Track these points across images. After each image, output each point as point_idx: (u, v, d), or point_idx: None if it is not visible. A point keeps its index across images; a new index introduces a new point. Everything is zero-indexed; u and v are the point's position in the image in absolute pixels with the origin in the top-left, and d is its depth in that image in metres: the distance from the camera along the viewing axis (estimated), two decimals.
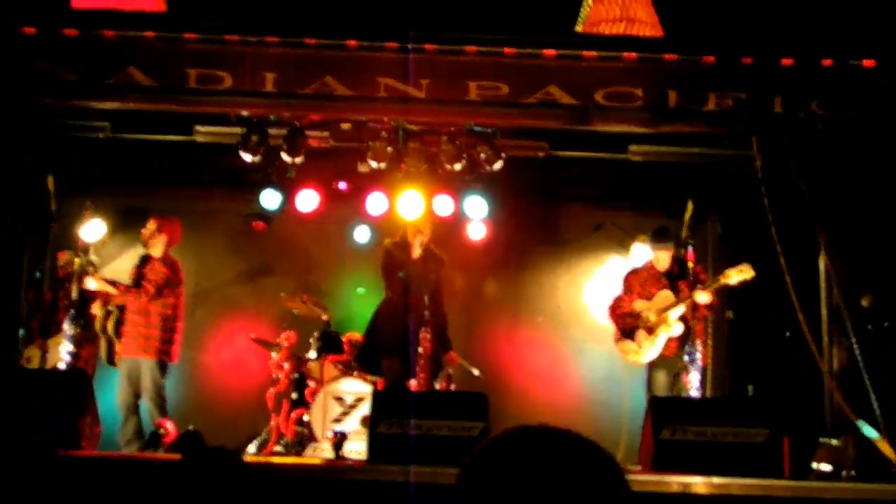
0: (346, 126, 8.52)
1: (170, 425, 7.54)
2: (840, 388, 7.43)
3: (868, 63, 7.37)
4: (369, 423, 6.28)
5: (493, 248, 9.59)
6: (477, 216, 9.08)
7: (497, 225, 9.36)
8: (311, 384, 8.56)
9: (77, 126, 8.39)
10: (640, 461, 6.59)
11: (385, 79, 7.44)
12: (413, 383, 7.69)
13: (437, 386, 8.21)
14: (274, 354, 8.77)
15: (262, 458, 7.40)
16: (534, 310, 10.06)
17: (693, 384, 7.36)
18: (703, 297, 7.41)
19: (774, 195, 7.57)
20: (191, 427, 7.35)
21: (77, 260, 7.71)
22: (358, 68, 7.50)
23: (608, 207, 10.07)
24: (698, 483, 5.59)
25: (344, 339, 8.81)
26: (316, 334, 8.86)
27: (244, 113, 8.22)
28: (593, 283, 10.01)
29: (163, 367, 7.89)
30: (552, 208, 10.15)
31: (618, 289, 8.14)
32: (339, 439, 7.35)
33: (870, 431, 6.77)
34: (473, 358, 8.91)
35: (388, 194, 8.86)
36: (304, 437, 8.27)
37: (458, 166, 8.52)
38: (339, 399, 8.30)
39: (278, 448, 8.32)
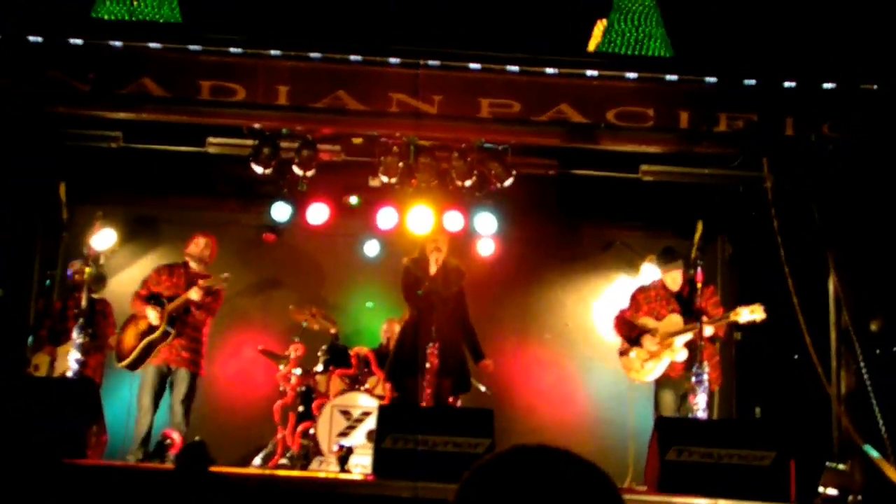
0: (357, 140, 8.55)
1: (176, 436, 7.54)
2: (848, 412, 7.39)
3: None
4: (375, 437, 6.27)
5: (502, 265, 9.58)
6: (486, 232, 9.08)
7: (506, 242, 9.36)
8: (318, 397, 8.56)
9: (89, 135, 8.43)
10: (645, 482, 6.56)
11: (397, 94, 7.47)
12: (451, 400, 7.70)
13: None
14: (281, 367, 8.77)
15: (267, 471, 7.40)
16: (542, 327, 10.04)
17: (700, 405, 7.32)
18: (709, 330, 7.40)
19: (785, 216, 7.56)
20: (197, 438, 7.35)
21: (87, 269, 7.72)
22: (370, 83, 7.53)
23: (618, 226, 10.07)
24: None
25: (352, 352, 8.81)
26: (324, 347, 8.87)
27: (256, 125, 8.25)
28: (602, 301, 9.99)
29: (197, 379, 8.04)
30: (562, 226, 10.13)
31: (624, 304, 8.12)
32: (345, 453, 7.35)
33: (877, 456, 6.73)
34: (480, 374, 8.89)
35: (399, 209, 8.87)
36: (310, 451, 8.26)
37: (468, 182, 8.53)
38: (346, 413, 8.29)
39: (284, 461, 8.31)
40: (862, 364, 7.21)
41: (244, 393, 9.56)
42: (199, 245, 8.16)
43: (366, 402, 8.34)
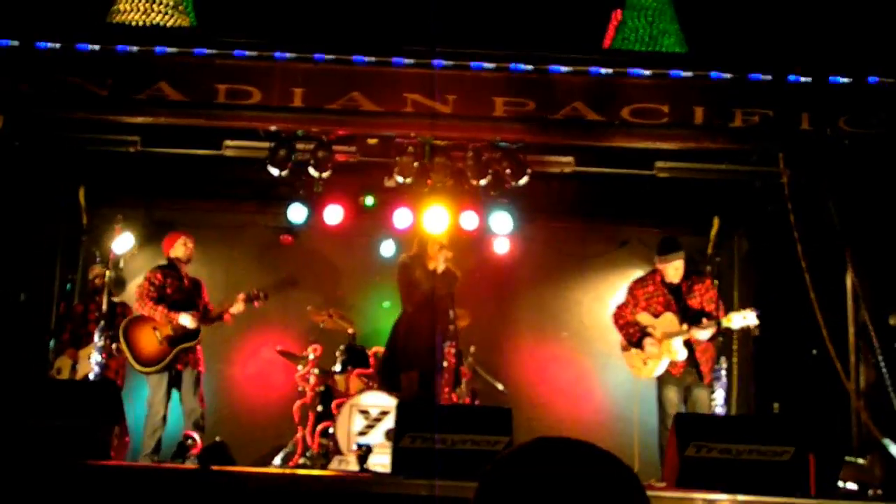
0: (372, 141, 8.57)
1: (196, 436, 7.60)
2: (867, 406, 7.38)
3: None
4: (393, 436, 6.30)
5: (518, 264, 9.60)
6: (502, 231, 9.09)
7: (522, 240, 9.37)
8: (337, 397, 8.60)
9: (108, 140, 8.50)
10: (664, 478, 6.57)
11: (412, 94, 7.49)
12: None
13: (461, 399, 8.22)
14: (300, 367, 8.81)
15: (287, 470, 7.44)
16: (558, 325, 10.05)
17: (718, 401, 7.32)
18: (702, 334, 7.41)
19: (801, 212, 7.54)
20: (217, 438, 7.41)
21: (108, 273, 7.80)
22: (385, 84, 7.55)
23: (634, 223, 10.06)
24: (723, 501, 5.57)
25: (369, 352, 8.85)
26: (342, 348, 8.90)
27: (272, 128, 8.29)
28: (618, 299, 9.97)
29: (202, 377, 8.26)
30: (577, 224, 10.12)
31: (621, 298, 8.11)
32: (364, 452, 7.38)
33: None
34: (498, 373, 8.91)
35: (414, 209, 8.90)
36: (329, 450, 8.28)
37: (483, 182, 8.55)
38: (364, 412, 8.32)
39: (303, 460, 8.35)
40: (880, 358, 7.20)
41: (263, 393, 9.61)
42: (187, 246, 8.29)
43: (384, 402, 8.36)
